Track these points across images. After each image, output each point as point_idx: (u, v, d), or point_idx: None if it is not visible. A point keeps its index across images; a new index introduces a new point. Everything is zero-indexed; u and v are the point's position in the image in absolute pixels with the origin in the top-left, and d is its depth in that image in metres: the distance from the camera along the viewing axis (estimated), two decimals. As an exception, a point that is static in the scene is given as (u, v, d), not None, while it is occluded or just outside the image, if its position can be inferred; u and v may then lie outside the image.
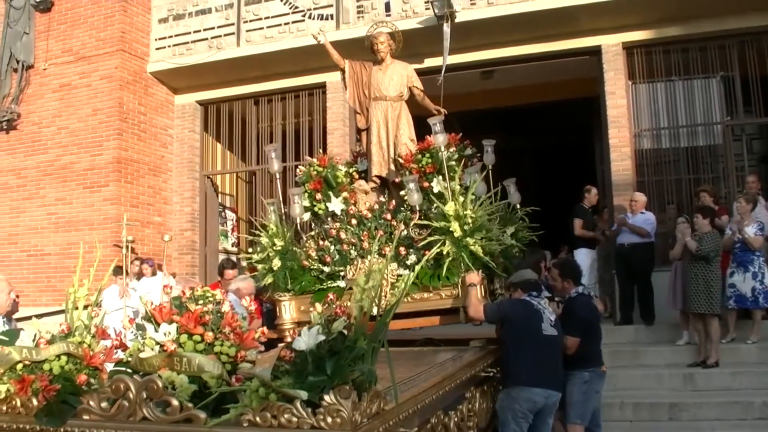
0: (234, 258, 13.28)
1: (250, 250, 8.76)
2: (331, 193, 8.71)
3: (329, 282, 8.20)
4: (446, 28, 9.43)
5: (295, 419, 3.14)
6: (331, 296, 3.67)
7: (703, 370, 10.69)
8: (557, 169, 18.94)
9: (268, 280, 8.26)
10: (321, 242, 8.39)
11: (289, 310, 8.25)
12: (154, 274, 14.37)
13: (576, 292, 7.85)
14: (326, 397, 3.14)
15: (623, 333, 12.31)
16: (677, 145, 14.13)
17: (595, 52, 14.32)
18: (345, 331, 3.40)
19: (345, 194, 8.70)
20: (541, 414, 6.94)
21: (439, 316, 7.90)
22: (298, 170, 9.33)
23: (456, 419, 5.43)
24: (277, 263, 8.17)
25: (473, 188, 7.91)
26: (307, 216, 8.79)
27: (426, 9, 14.29)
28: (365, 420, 3.29)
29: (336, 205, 8.58)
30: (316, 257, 8.31)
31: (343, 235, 8.22)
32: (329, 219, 8.64)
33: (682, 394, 10.33)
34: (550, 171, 20.02)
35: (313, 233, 8.76)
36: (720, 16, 13.28)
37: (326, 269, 8.22)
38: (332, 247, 8.27)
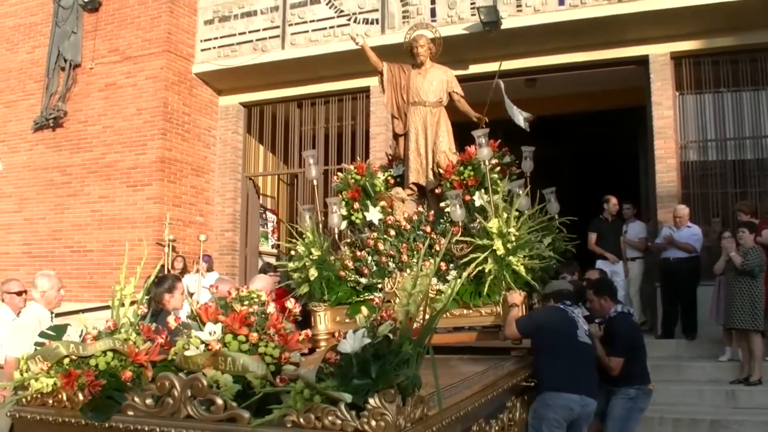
0: (273, 260, 13.32)
1: (290, 261, 8.51)
2: (368, 202, 8.60)
3: (366, 294, 8.02)
4: (500, 83, 9.21)
5: (339, 421, 3.14)
6: (376, 300, 3.66)
7: (746, 387, 10.52)
8: (600, 180, 18.80)
9: (304, 289, 8.09)
10: (358, 252, 8.24)
11: (324, 320, 8.09)
12: (210, 270, 14.58)
13: (615, 311, 7.78)
14: (371, 401, 3.14)
15: (665, 347, 12.17)
16: (724, 157, 13.93)
17: (642, 61, 14.18)
18: (390, 335, 3.39)
19: (383, 203, 8.55)
20: (575, 424, 6.83)
21: (478, 333, 7.74)
22: (335, 177, 9.22)
23: (497, 428, 5.41)
24: (313, 273, 7.99)
25: (517, 204, 7.77)
26: (344, 225, 8.67)
27: (472, 15, 14.25)
28: (409, 424, 3.28)
29: (374, 214, 8.46)
30: (353, 268, 8.16)
31: (381, 247, 8.09)
32: (366, 228, 8.52)
33: (723, 411, 10.18)
34: (593, 181, 19.90)
35: (348, 241, 8.65)
36: (770, 28, 13.14)
37: (363, 281, 8.09)
38: (370, 258, 8.14)
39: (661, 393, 10.06)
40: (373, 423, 3.11)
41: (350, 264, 8.14)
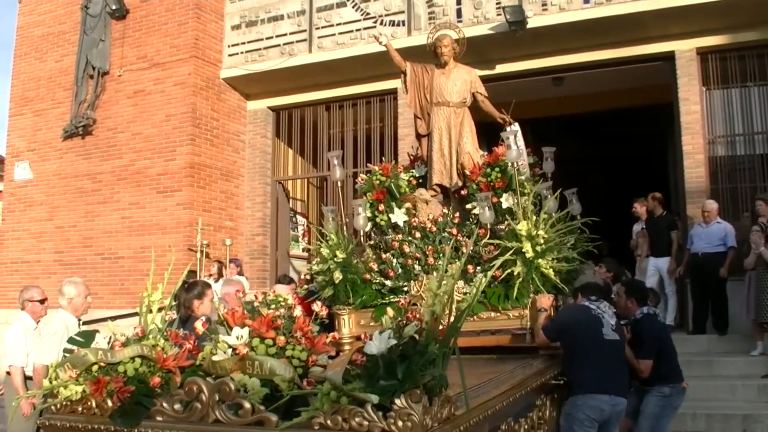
0: (297, 265, 13.34)
1: (314, 264, 8.42)
2: (393, 203, 8.52)
3: (391, 296, 7.86)
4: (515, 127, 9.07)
5: (366, 423, 3.15)
6: (402, 301, 3.67)
7: (778, 381, 10.52)
8: (628, 177, 18.74)
9: (329, 292, 8.00)
10: (383, 255, 8.16)
11: (348, 323, 8.01)
12: (240, 274, 14.65)
13: (641, 313, 7.77)
14: (397, 401, 3.15)
15: (696, 343, 12.13)
16: (752, 152, 13.86)
17: (669, 58, 14.13)
18: (416, 336, 3.40)
19: (407, 205, 8.46)
20: (606, 423, 6.79)
21: (506, 336, 7.57)
22: (359, 178, 9.15)
23: (526, 427, 5.41)
24: (338, 276, 7.90)
25: (546, 206, 7.71)
26: (369, 227, 8.59)
27: (497, 15, 14.26)
28: (436, 424, 3.29)
29: (399, 216, 8.36)
30: (377, 270, 8.08)
31: (406, 249, 8.00)
32: (390, 230, 8.44)
33: (756, 406, 10.17)
34: (621, 179, 19.85)
35: (372, 242, 8.60)
36: (796, 22, 13.05)
37: (388, 283, 7.96)
38: (395, 261, 8.04)
39: (693, 388, 10.00)
40: (400, 423, 3.13)
41: (375, 266, 8.08)
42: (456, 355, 3.49)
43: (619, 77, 14.98)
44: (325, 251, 8.07)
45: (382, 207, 8.50)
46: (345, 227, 8.61)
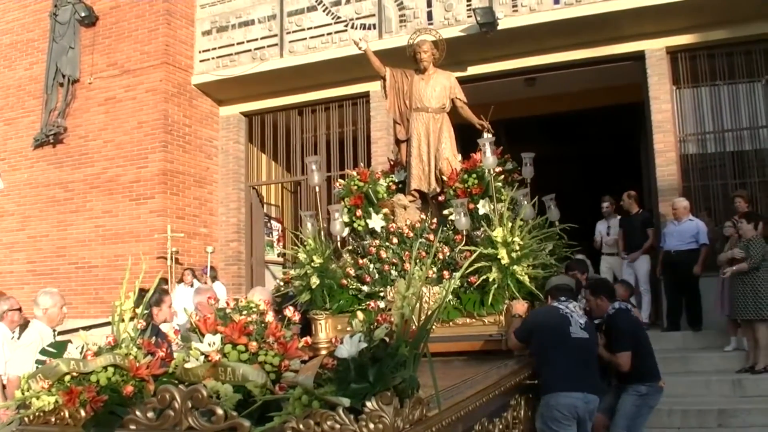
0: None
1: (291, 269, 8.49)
2: (371, 209, 8.55)
3: (368, 302, 7.74)
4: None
5: (337, 426, 3.15)
6: (372, 305, 3.68)
7: (752, 376, 10.55)
8: (603, 176, 18.83)
9: (306, 297, 8.01)
10: (360, 260, 8.17)
11: (325, 328, 7.99)
12: (214, 280, 14.61)
13: (613, 308, 7.77)
14: (368, 404, 3.16)
15: (671, 339, 12.19)
16: (723, 149, 13.97)
17: (639, 57, 14.21)
18: (387, 339, 3.41)
19: (385, 210, 8.52)
20: (580, 422, 6.73)
21: (481, 342, 7.57)
22: (337, 183, 9.17)
23: (501, 427, 5.43)
24: (315, 281, 7.91)
25: (522, 213, 7.75)
26: (346, 232, 8.65)
27: (468, 17, 14.30)
28: (407, 426, 3.31)
29: (377, 222, 8.42)
30: (354, 276, 8.08)
31: (383, 254, 8.04)
32: (368, 236, 8.47)
33: (730, 401, 10.21)
34: (596, 177, 19.94)
35: (350, 248, 8.61)
36: (765, 20, 13.12)
37: (365, 289, 7.97)
38: (372, 266, 8.06)
39: (668, 385, 10.04)
40: (372, 426, 3.13)
41: (352, 272, 8.07)
42: (427, 355, 3.51)
43: (591, 77, 15.05)
44: (302, 256, 8.10)
45: (359, 212, 8.52)
46: (322, 232, 8.59)
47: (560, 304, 7.02)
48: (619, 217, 14.07)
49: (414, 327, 3.54)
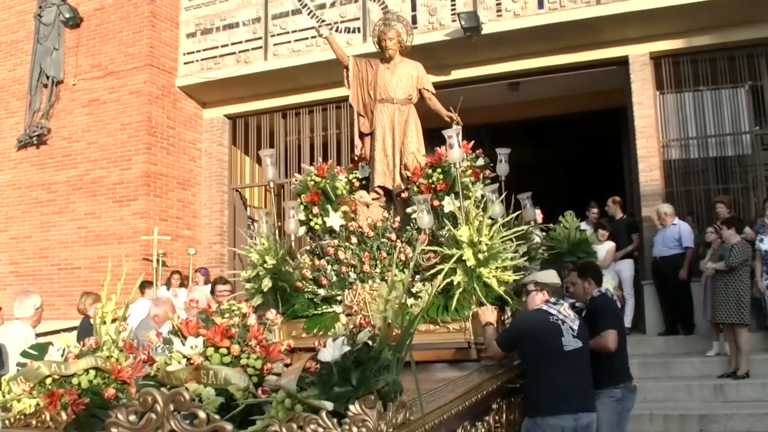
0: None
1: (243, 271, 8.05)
2: (329, 206, 7.98)
3: (324, 306, 7.42)
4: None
5: (321, 429, 3.14)
6: (355, 308, 3.67)
7: (733, 381, 10.63)
8: (587, 180, 18.90)
9: (258, 301, 7.49)
10: (317, 261, 7.62)
11: (278, 335, 7.10)
12: (207, 283, 14.48)
13: (599, 291, 7.34)
14: (352, 408, 3.15)
15: (653, 344, 12.26)
16: (706, 155, 14.02)
17: (623, 62, 14.27)
18: (370, 342, 3.41)
19: (345, 208, 7.95)
20: None
21: (449, 350, 6.90)
22: (293, 180, 8.65)
23: (483, 430, 5.43)
24: (267, 283, 7.40)
25: (490, 211, 7.12)
26: (302, 231, 8.12)
27: (453, 21, 14.30)
28: (391, 430, 3.29)
29: (335, 220, 7.84)
30: (311, 278, 7.53)
31: (341, 255, 7.48)
32: (326, 235, 7.92)
33: (712, 406, 10.27)
34: (580, 182, 20.00)
35: (308, 248, 8.11)
36: (748, 26, 13.19)
37: (321, 292, 7.46)
38: (329, 268, 7.51)
39: (650, 390, 10.14)
40: (355, 429, 3.12)
41: (308, 274, 7.57)
42: (410, 358, 3.51)
43: (575, 82, 15.10)
44: (254, 257, 7.70)
45: (316, 210, 8.00)
46: (278, 232, 8.32)
47: (551, 308, 6.48)
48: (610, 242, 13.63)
49: (397, 330, 3.54)
